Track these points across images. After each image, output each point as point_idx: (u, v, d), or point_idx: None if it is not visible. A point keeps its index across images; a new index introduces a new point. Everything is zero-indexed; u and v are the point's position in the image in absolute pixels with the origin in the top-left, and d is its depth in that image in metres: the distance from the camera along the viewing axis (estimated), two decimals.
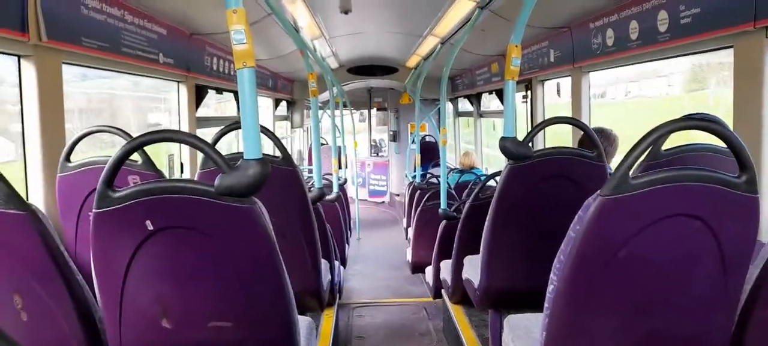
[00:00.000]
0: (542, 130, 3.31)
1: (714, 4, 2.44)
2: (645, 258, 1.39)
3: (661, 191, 1.33)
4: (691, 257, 1.40)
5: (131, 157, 1.79)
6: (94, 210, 1.31)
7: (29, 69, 2.25)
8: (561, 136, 4.45)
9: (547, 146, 4.70)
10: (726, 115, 2.38)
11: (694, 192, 1.33)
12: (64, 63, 2.42)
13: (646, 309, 1.46)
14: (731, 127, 2.28)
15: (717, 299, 1.44)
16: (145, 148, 2.12)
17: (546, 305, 1.53)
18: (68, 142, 2.24)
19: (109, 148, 2.98)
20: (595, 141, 2.23)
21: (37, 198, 2.31)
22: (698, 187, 1.33)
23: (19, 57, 2.24)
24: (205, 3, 3.46)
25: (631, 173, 1.33)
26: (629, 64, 3.48)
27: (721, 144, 1.41)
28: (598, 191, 1.36)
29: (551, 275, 1.50)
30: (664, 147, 2.21)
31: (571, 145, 3.71)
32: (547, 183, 2.22)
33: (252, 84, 1.40)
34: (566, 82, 4.37)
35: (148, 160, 2.21)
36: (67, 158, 2.21)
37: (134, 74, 3.31)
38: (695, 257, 1.40)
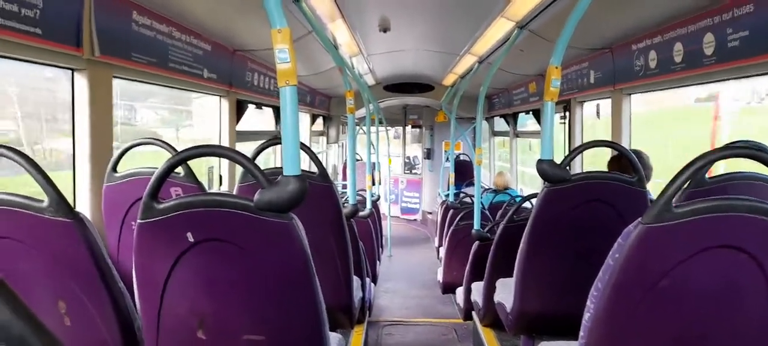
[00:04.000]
0: (581, 153, 3.26)
1: (763, 27, 2.37)
2: (686, 290, 1.35)
3: (705, 221, 1.29)
4: (736, 290, 1.35)
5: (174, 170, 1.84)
6: (138, 220, 1.35)
7: (82, 82, 2.36)
8: (600, 158, 4.36)
9: (584, 168, 4.64)
10: None
11: (740, 223, 1.29)
12: (114, 77, 2.52)
13: (687, 343, 1.41)
14: None
15: (763, 335, 1.38)
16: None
17: (582, 333, 1.49)
18: (115, 153, 2.33)
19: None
20: (636, 166, 2.18)
21: (83, 206, 2.41)
22: (744, 218, 1.28)
23: (72, 70, 2.36)
24: (249, 20, 3.55)
25: (673, 201, 1.30)
26: (671, 88, 3.40)
27: None
28: (640, 219, 1.32)
29: (588, 302, 1.47)
30: (708, 175, 2.15)
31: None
32: (585, 207, 2.18)
33: (294, 102, 1.43)
34: (605, 103, 4.30)
35: (190, 173, 2.27)
36: (114, 168, 2.29)
37: (179, 88, 3.42)
38: (740, 290, 1.35)
